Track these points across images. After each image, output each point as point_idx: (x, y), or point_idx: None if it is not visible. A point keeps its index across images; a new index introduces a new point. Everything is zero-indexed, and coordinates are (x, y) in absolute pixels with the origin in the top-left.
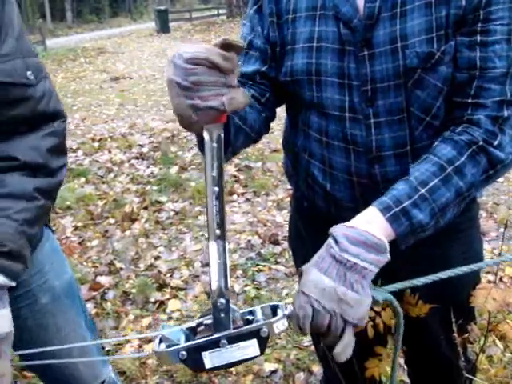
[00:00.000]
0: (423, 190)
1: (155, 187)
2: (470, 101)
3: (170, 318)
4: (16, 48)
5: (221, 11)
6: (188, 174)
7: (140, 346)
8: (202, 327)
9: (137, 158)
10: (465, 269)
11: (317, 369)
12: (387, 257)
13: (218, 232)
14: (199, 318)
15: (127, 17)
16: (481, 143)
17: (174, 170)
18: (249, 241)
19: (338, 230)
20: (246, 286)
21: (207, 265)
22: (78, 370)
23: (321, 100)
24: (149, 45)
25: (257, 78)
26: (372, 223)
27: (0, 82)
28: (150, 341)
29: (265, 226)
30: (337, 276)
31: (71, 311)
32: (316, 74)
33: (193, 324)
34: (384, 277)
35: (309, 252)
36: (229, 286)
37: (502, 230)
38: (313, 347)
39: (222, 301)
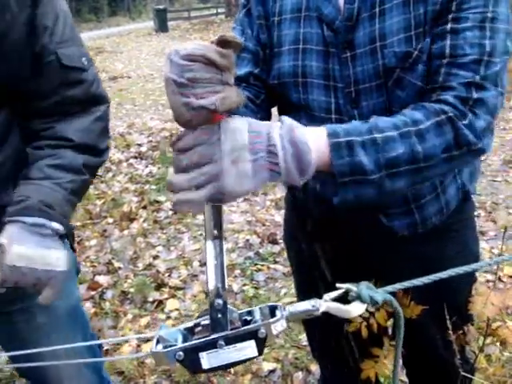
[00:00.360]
0: (377, 135)
1: (154, 187)
2: (437, 85)
3: (168, 318)
4: (72, 36)
5: (219, 10)
6: None
7: (138, 346)
8: (200, 328)
9: (135, 158)
10: (465, 268)
11: (315, 368)
12: (299, 183)
13: (214, 232)
14: (197, 318)
15: (126, 16)
16: (450, 114)
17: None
18: (247, 240)
19: (292, 122)
20: (244, 285)
21: (205, 264)
22: None
23: (307, 102)
24: (147, 44)
25: (250, 79)
26: (320, 145)
27: (62, 64)
28: (148, 340)
29: (263, 225)
30: (252, 143)
31: (70, 336)
32: (302, 76)
33: (190, 324)
34: (380, 276)
35: (302, 249)
36: (226, 286)
37: (501, 229)
38: None
39: (220, 301)
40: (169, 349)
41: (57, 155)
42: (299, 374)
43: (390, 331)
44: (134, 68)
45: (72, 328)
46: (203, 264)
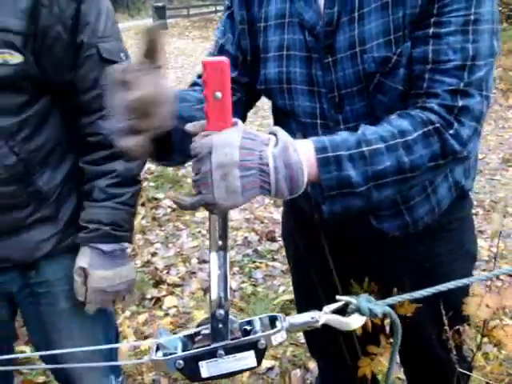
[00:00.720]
0: (365, 148)
1: (152, 184)
2: (422, 92)
3: (166, 315)
4: (113, 31)
5: (218, 8)
6: (185, 171)
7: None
8: (200, 337)
9: None
10: (465, 281)
11: (313, 366)
12: (287, 198)
13: (219, 243)
14: (197, 326)
15: (125, 13)
16: (437, 125)
17: None
18: (246, 237)
19: (286, 139)
20: (242, 282)
21: (204, 261)
22: (81, 375)
23: (292, 108)
24: None
25: None
26: (309, 161)
27: (102, 58)
28: (146, 337)
29: (262, 223)
30: (243, 160)
31: (90, 325)
32: (287, 83)
33: (190, 332)
34: (373, 275)
35: (299, 248)
36: (228, 297)
37: (492, 237)
38: None
39: (221, 312)
40: (169, 357)
41: (114, 172)
42: (297, 372)
43: (387, 329)
44: None
45: (93, 319)
46: (201, 261)
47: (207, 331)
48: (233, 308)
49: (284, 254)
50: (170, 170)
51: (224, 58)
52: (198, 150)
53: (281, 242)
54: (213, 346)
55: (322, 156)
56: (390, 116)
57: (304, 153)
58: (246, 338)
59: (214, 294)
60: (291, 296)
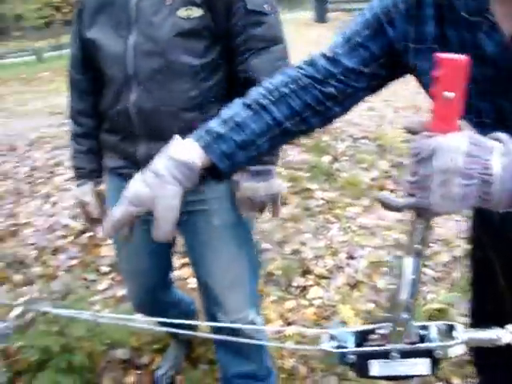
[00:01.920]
0: None
1: (306, 174)
2: None
3: (311, 305)
4: None
5: None
6: (339, 165)
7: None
8: (375, 335)
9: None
10: None
11: (456, 382)
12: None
13: (418, 247)
14: (371, 323)
15: (285, 7)
16: None
17: (326, 159)
18: (397, 238)
19: None
20: (390, 284)
21: (352, 257)
22: (224, 295)
23: None
24: (306, 34)
25: (349, 75)
26: None
27: (246, 9)
28: (289, 323)
29: None
30: (467, 168)
31: (236, 242)
32: (476, 117)
33: (364, 329)
34: None
35: (488, 258)
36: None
37: None
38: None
39: (406, 316)
40: (342, 350)
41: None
42: None
43: None
44: None
45: (239, 235)
46: (350, 257)
47: (383, 331)
48: (379, 308)
49: (437, 260)
50: (325, 162)
51: (464, 57)
52: (419, 150)
53: (434, 248)
54: (389, 346)
55: None
56: None
57: None
58: (423, 344)
59: (403, 297)
60: (440, 305)
